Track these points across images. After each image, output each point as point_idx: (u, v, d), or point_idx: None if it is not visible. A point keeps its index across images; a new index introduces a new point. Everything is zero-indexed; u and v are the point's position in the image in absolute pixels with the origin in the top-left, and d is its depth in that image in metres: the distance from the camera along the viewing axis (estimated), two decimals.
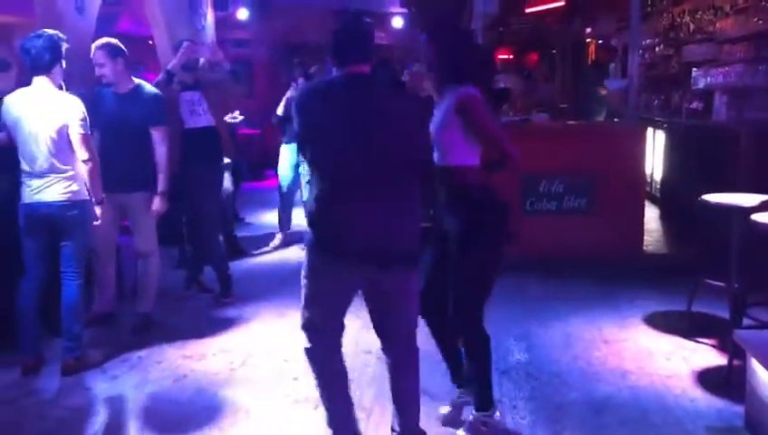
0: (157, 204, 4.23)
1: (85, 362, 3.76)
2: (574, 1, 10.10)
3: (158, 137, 4.19)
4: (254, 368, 3.80)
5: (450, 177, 2.88)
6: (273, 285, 5.35)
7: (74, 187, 3.64)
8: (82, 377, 3.67)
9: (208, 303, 4.95)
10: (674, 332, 4.16)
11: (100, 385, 3.60)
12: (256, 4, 11.49)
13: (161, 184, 4.21)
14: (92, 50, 4.10)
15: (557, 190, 5.47)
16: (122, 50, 4.13)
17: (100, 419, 3.25)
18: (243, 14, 11.39)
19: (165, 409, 3.34)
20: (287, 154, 6.45)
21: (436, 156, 2.87)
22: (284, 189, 6.53)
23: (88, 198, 3.72)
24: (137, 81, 4.24)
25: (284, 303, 4.87)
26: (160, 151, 4.19)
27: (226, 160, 6.49)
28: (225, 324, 4.49)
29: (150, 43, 7.64)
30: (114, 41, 4.16)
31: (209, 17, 8.08)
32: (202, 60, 5.30)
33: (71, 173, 3.62)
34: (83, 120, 3.62)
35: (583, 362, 3.78)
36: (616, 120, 6.62)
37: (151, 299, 4.40)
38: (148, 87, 4.28)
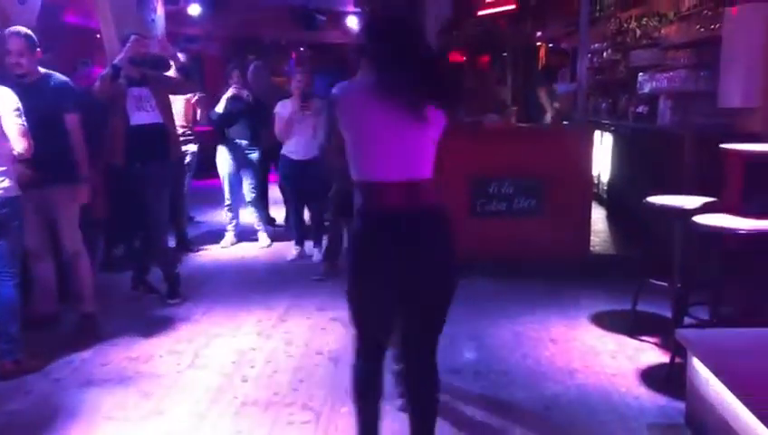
0: (81, 194, 4.11)
1: (25, 365, 3.63)
2: (526, 5, 10.25)
3: (71, 123, 4.06)
4: (203, 369, 3.74)
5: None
6: (222, 285, 5.29)
7: (6, 183, 3.51)
8: (23, 381, 3.55)
9: (156, 303, 4.86)
10: (619, 330, 4.26)
11: (42, 389, 3.49)
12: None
13: (82, 171, 4.10)
14: (7, 37, 3.91)
15: (507, 192, 5.53)
16: (36, 41, 3.99)
17: (42, 423, 3.15)
18: (194, 9, 11.20)
19: (110, 412, 3.25)
20: (226, 154, 6.39)
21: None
22: (229, 189, 6.45)
23: (19, 194, 3.60)
24: (43, 70, 4.07)
25: (234, 302, 4.81)
26: (77, 138, 4.07)
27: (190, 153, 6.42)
28: (172, 326, 4.41)
29: (98, 36, 7.44)
30: (29, 31, 4.00)
31: (159, 11, 7.91)
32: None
33: (1, 169, 3.50)
34: (17, 110, 3.50)
35: (532, 360, 3.84)
36: (565, 122, 6.73)
37: (91, 298, 4.27)
38: (57, 75, 4.12)
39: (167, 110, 4.91)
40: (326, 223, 6.10)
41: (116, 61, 4.62)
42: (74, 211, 4.16)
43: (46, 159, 3.92)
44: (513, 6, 9.28)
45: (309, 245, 6.10)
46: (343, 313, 4.56)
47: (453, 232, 2.38)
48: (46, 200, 4.07)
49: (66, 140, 4.05)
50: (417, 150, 2.35)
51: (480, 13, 9.46)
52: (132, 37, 4.67)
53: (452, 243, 2.38)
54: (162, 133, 4.82)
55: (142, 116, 4.72)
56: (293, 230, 6.19)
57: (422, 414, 2.50)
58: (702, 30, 6.30)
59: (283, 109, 5.80)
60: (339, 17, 13.12)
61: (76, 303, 4.28)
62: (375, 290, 2.37)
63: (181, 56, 5.26)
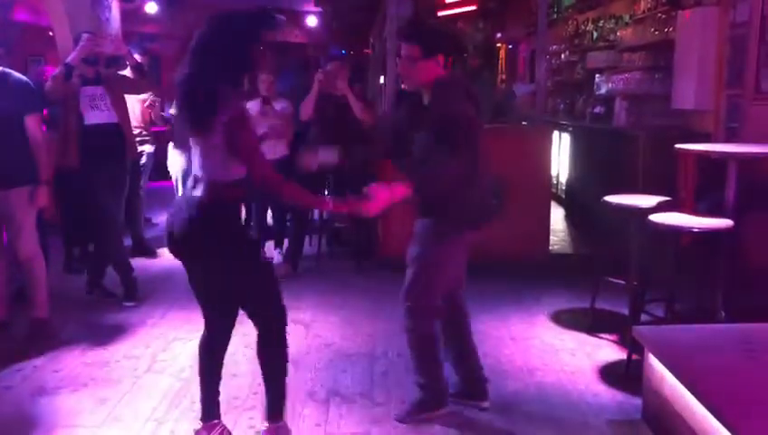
0: (39, 196, 3.97)
1: None
2: (485, 6, 10.33)
3: (33, 124, 3.94)
4: (160, 374, 3.67)
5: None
6: (179, 288, 5.18)
7: None
8: None
9: (112, 307, 4.75)
10: (578, 328, 4.32)
11: None
12: None
13: (43, 174, 3.97)
14: None
15: None
16: None
17: None
18: (151, 7, 11.00)
19: (64, 420, 3.16)
20: (177, 155, 6.30)
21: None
22: (182, 190, 6.36)
23: None
24: (0, 68, 3.95)
25: (191, 305, 4.70)
26: (37, 139, 3.94)
27: (146, 153, 6.29)
28: (129, 330, 4.32)
29: (50, 34, 7.26)
30: None
31: (114, 9, 7.75)
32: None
33: None
34: None
35: (492, 359, 3.86)
36: (524, 123, 6.80)
37: (45, 303, 4.13)
38: (15, 74, 3.99)
39: (122, 109, 4.81)
40: (288, 224, 6.05)
41: (68, 60, 4.51)
42: (32, 214, 4.03)
43: (1, 160, 3.81)
44: (473, 7, 9.35)
45: (270, 246, 6.04)
46: (303, 315, 4.53)
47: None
48: (2, 202, 3.93)
49: (24, 142, 3.92)
50: None
51: (441, 13, 9.50)
52: (84, 36, 4.56)
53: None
54: (118, 133, 4.72)
55: (97, 115, 4.62)
56: (255, 231, 6.13)
57: None
58: (656, 33, 6.44)
59: (252, 107, 5.72)
60: (299, 17, 13.04)
61: (29, 308, 4.15)
62: None
63: (137, 56, 5.15)
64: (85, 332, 4.25)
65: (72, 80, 4.48)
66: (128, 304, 4.74)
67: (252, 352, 3.85)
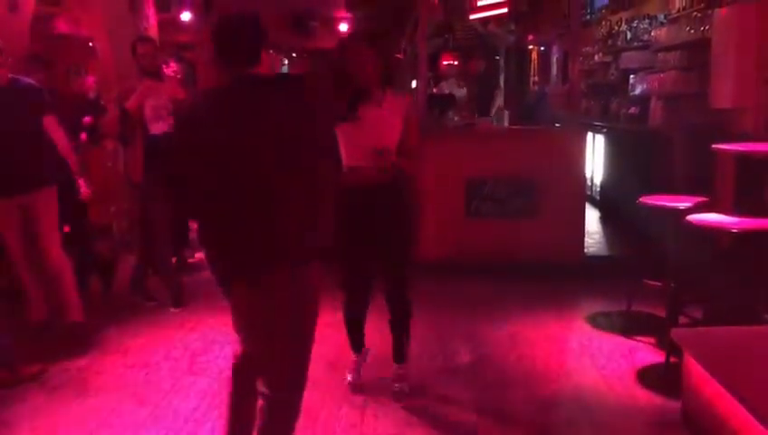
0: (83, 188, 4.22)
1: (18, 374, 3.62)
2: (516, 8, 10.28)
3: (51, 124, 4.03)
4: (199, 376, 3.72)
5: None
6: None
7: None
8: (17, 390, 3.53)
9: (152, 311, 4.81)
10: (614, 331, 4.28)
11: (38, 398, 3.47)
12: (198, 5, 11.31)
13: (74, 166, 4.20)
14: None
15: (501, 193, 5.56)
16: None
17: (38, 433, 3.14)
18: (186, 15, 11.19)
19: (106, 420, 3.24)
20: None
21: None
22: None
23: None
24: (10, 75, 4.00)
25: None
26: (58, 138, 4.08)
27: None
28: (168, 332, 4.38)
29: (90, 45, 7.44)
30: None
31: (152, 19, 7.91)
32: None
33: None
34: None
35: (528, 362, 3.84)
36: (557, 124, 6.76)
37: (78, 306, 4.18)
38: (25, 79, 4.06)
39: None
40: None
41: (128, 105, 4.50)
42: (55, 216, 4.08)
43: (22, 164, 3.90)
44: (504, 10, 9.31)
45: None
46: (339, 317, 4.56)
47: None
48: (26, 207, 4.00)
49: (41, 143, 4.00)
50: None
51: (472, 17, 9.48)
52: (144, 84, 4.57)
53: None
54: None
55: (160, 126, 4.61)
56: None
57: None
58: (692, 32, 6.35)
59: None
60: (331, 23, 13.16)
61: (64, 311, 4.21)
62: None
63: (173, 64, 5.24)
64: (126, 335, 4.33)
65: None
66: (173, 308, 4.80)
67: None
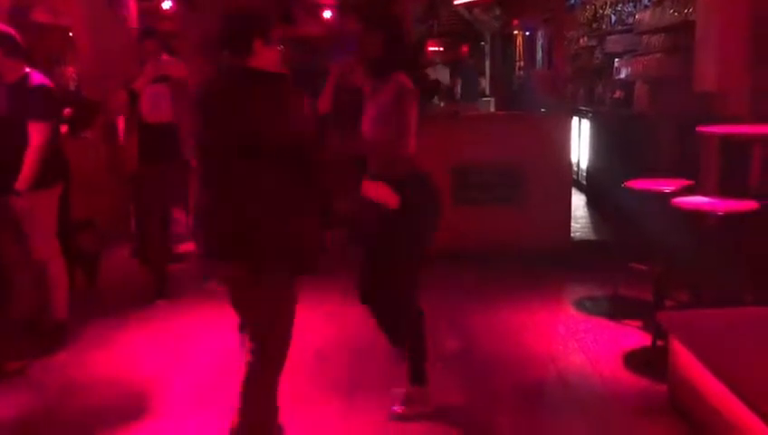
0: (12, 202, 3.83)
1: (1, 369, 3.58)
2: None
3: (33, 131, 3.80)
4: (189, 369, 3.70)
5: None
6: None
7: None
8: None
9: (137, 304, 4.76)
10: (601, 315, 4.29)
11: (21, 393, 3.44)
12: None
13: (20, 184, 3.76)
14: None
15: (487, 180, 5.55)
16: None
17: (23, 429, 3.12)
18: (167, 4, 11.05)
19: (93, 414, 3.21)
20: None
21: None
22: None
23: None
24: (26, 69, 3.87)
25: (218, 299, 4.76)
26: (31, 146, 3.79)
27: None
28: (154, 325, 4.35)
29: (71, 35, 7.33)
30: None
31: (132, 8, 7.81)
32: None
33: None
34: None
35: (514, 346, 3.85)
36: (543, 109, 6.75)
37: (63, 305, 4.08)
38: (36, 75, 3.89)
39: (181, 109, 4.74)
40: None
41: (135, 85, 4.48)
42: (41, 217, 3.94)
43: (18, 162, 3.80)
44: None
45: None
46: (329, 307, 4.50)
47: None
48: (18, 206, 3.88)
49: (26, 146, 3.84)
50: None
51: (457, 2, 9.45)
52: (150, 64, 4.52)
53: None
54: (173, 133, 4.65)
55: (156, 114, 4.55)
56: None
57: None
58: (676, 14, 6.33)
59: None
60: (316, 11, 13.05)
61: (49, 308, 4.12)
62: None
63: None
64: (110, 329, 4.29)
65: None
66: (160, 302, 4.75)
67: None
